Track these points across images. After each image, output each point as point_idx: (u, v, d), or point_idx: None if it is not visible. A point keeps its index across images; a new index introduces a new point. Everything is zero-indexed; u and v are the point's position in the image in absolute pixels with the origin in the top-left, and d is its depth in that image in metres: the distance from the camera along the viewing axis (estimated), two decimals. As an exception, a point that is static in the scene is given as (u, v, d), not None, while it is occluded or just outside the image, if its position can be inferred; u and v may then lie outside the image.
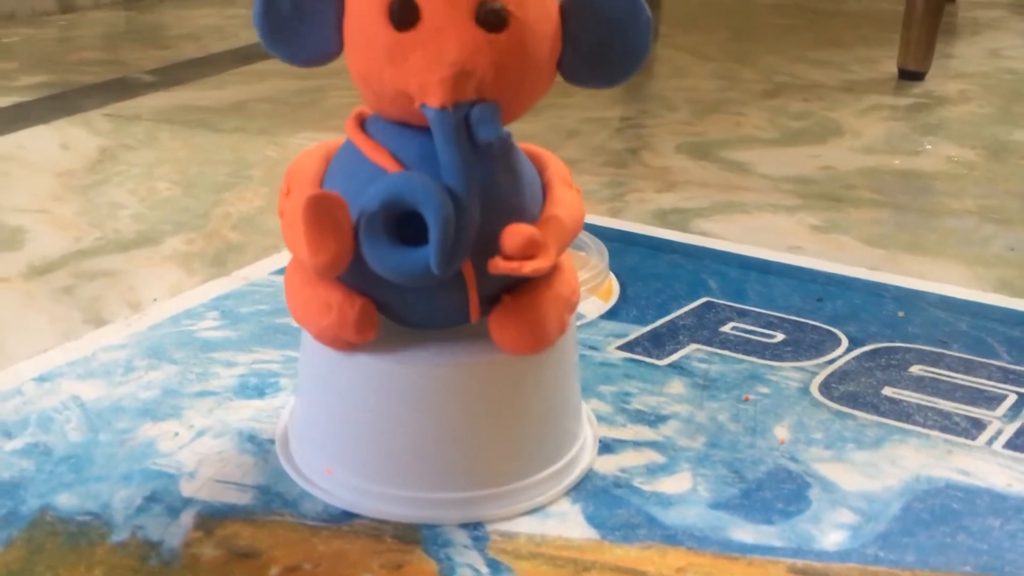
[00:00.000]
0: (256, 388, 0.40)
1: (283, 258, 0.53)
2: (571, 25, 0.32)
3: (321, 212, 0.29)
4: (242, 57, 1.05)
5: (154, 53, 1.05)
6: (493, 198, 0.31)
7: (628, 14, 0.31)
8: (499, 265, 0.30)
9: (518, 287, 0.32)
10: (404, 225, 0.30)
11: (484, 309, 0.33)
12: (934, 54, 1.04)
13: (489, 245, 0.30)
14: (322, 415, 0.34)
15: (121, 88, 0.89)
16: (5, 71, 0.94)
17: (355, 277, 0.31)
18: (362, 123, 0.33)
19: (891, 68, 1.08)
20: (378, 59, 0.30)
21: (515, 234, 0.30)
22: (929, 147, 0.80)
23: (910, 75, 1.04)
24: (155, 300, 0.48)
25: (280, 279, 0.50)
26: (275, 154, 0.72)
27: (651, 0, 1.61)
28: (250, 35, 1.17)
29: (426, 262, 0.29)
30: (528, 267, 0.30)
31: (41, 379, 0.40)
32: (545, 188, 0.34)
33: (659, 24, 1.40)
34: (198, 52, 1.06)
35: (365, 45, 0.30)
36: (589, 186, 0.67)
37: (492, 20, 0.29)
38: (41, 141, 0.73)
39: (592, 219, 0.60)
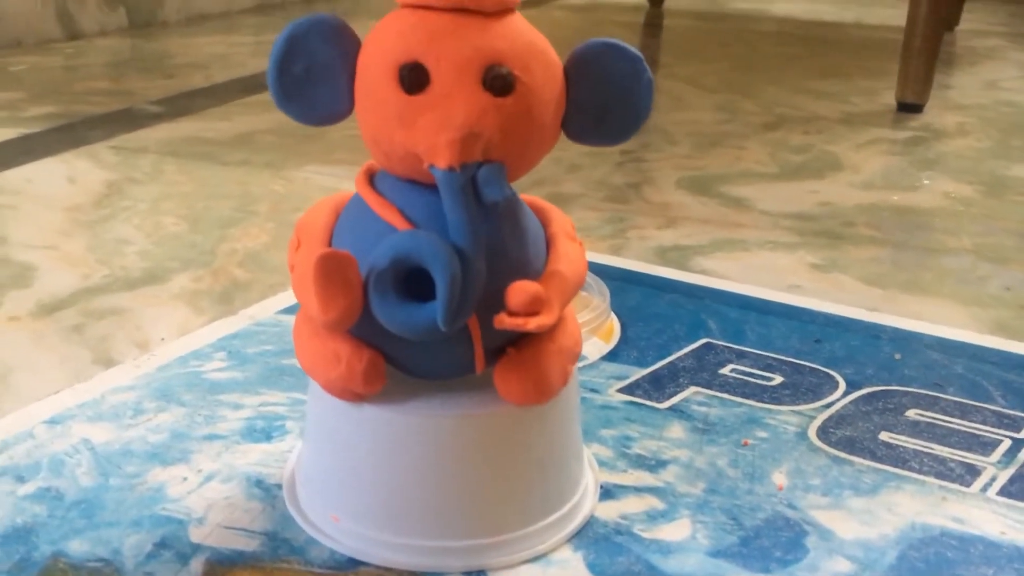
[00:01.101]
0: (263, 431, 0.41)
1: (288, 297, 0.53)
2: (575, 87, 0.32)
3: (332, 270, 0.30)
4: (247, 87, 1.06)
5: (160, 82, 1.06)
6: (498, 254, 0.32)
7: (631, 77, 0.32)
8: (504, 321, 0.31)
9: (522, 339, 0.33)
10: (412, 281, 0.31)
11: (489, 360, 0.33)
12: (932, 85, 1.06)
13: (495, 300, 0.31)
14: (329, 463, 0.35)
15: (127, 119, 0.90)
16: (12, 101, 0.95)
17: (363, 329, 0.32)
18: (371, 178, 0.34)
19: (890, 99, 1.09)
20: (388, 121, 0.31)
21: (520, 291, 0.31)
22: (927, 182, 0.81)
23: (908, 107, 1.05)
24: (163, 339, 0.49)
25: (286, 319, 0.51)
26: (281, 188, 0.72)
27: (652, 28, 1.62)
28: (256, 64, 1.18)
29: (433, 318, 0.30)
30: (532, 324, 0.30)
31: (52, 421, 0.41)
32: (549, 242, 0.35)
33: (659, 53, 1.42)
34: (204, 81, 1.08)
35: (376, 107, 0.31)
36: (591, 222, 0.68)
37: (499, 85, 0.30)
38: (49, 174, 0.74)
39: (594, 257, 0.61)
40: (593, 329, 0.51)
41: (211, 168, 0.76)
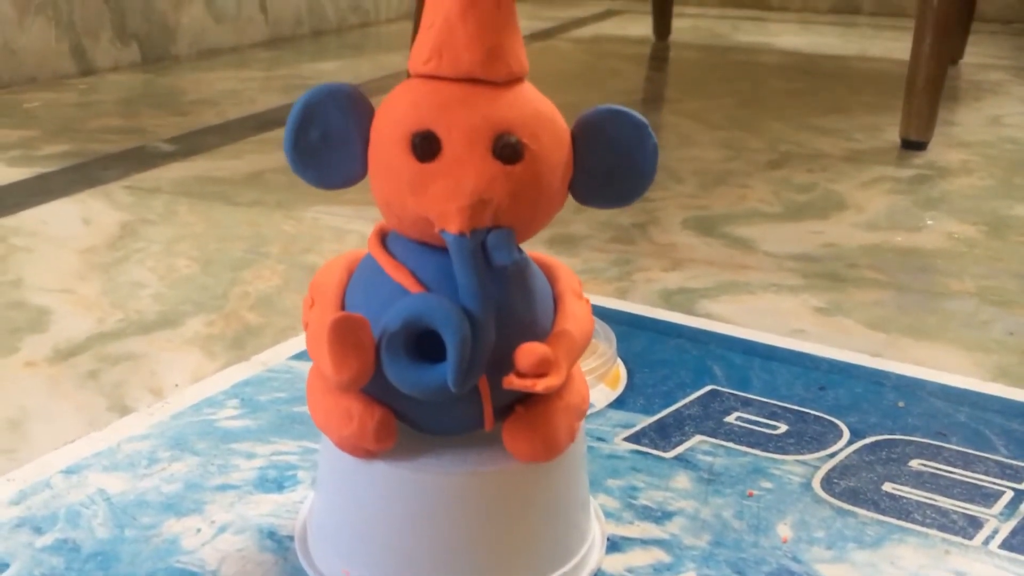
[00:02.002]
0: (275, 481, 0.42)
1: (299, 342, 0.54)
2: (582, 152, 0.33)
3: (345, 333, 0.31)
4: (258, 124, 1.07)
5: (172, 120, 1.07)
6: (507, 315, 0.32)
7: (636, 142, 0.33)
8: (514, 383, 0.31)
9: (530, 397, 0.34)
10: (423, 342, 0.32)
11: (497, 417, 0.34)
12: (936, 122, 1.07)
13: (504, 360, 0.32)
14: (340, 518, 0.35)
15: (140, 158, 0.91)
16: (28, 140, 0.96)
17: (375, 387, 0.33)
18: (383, 238, 0.35)
19: (894, 136, 1.10)
20: (401, 187, 0.31)
21: (528, 353, 0.31)
22: (931, 223, 0.81)
23: (912, 145, 1.06)
24: (176, 386, 0.50)
25: (297, 364, 0.52)
26: (291, 229, 0.73)
27: (658, 62, 1.64)
28: (266, 100, 1.20)
29: (444, 379, 0.31)
30: (541, 385, 0.31)
31: (69, 471, 0.42)
32: (556, 300, 0.35)
33: (665, 88, 1.43)
34: (215, 118, 1.09)
35: (389, 174, 0.32)
36: (597, 264, 0.69)
37: (508, 153, 0.31)
38: (64, 215, 0.75)
39: (601, 301, 0.62)
40: (600, 376, 0.51)
41: (223, 208, 0.78)
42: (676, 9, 2.06)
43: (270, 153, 0.95)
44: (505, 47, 0.31)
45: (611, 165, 0.33)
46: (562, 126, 0.33)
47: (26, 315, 0.57)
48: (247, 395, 0.49)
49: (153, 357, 0.53)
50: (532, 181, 0.31)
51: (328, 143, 0.33)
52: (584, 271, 0.68)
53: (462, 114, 0.31)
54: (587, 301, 0.36)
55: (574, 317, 0.35)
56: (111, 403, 0.48)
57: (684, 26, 2.09)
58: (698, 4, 2.56)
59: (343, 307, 0.34)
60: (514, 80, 0.32)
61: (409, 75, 0.33)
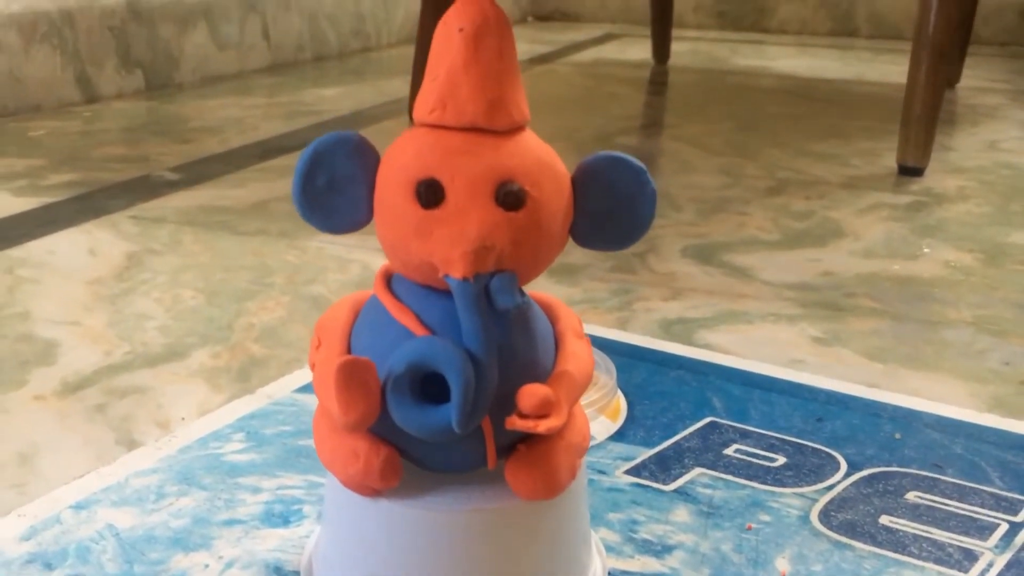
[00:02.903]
0: (281, 516, 0.42)
1: (304, 375, 0.55)
2: (582, 196, 0.34)
3: (352, 376, 0.32)
4: (261, 152, 1.08)
5: (176, 148, 1.08)
6: (510, 357, 0.33)
7: (635, 187, 0.34)
8: (516, 424, 0.32)
9: (532, 436, 0.34)
10: (428, 384, 0.32)
11: (500, 455, 0.35)
12: (933, 147, 1.08)
13: (507, 400, 0.33)
14: (345, 553, 0.36)
15: (145, 187, 0.92)
16: (34, 169, 0.97)
17: (380, 427, 0.34)
18: (388, 280, 0.35)
19: (891, 162, 1.11)
20: (406, 233, 0.32)
21: (530, 395, 0.32)
22: (927, 250, 0.82)
23: (909, 171, 1.07)
24: (183, 419, 0.51)
25: (302, 397, 0.52)
26: (295, 259, 0.74)
27: (657, 87, 1.65)
28: (268, 127, 1.21)
29: (448, 421, 0.32)
30: (543, 426, 0.32)
31: (78, 507, 0.42)
32: (557, 340, 0.36)
33: (664, 113, 1.44)
34: (219, 146, 1.10)
35: (394, 220, 0.33)
36: (598, 294, 0.70)
37: (510, 201, 0.32)
38: (70, 246, 0.76)
39: (601, 331, 0.63)
40: (601, 408, 0.52)
41: (227, 238, 0.78)
42: (675, 32, 2.08)
43: (273, 182, 0.96)
44: (507, 97, 0.32)
45: (610, 209, 0.34)
46: (562, 172, 0.34)
47: (34, 348, 0.58)
48: (253, 428, 0.49)
49: (159, 390, 0.54)
50: (534, 227, 0.32)
51: (335, 189, 0.34)
52: (584, 301, 0.69)
53: (466, 163, 0.32)
54: (587, 340, 0.37)
55: (575, 357, 0.35)
56: (119, 436, 0.49)
57: (683, 49, 2.11)
58: (697, 27, 2.58)
59: (349, 349, 0.35)
60: (516, 129, 0.33)
61: (412, 121, 0.34)
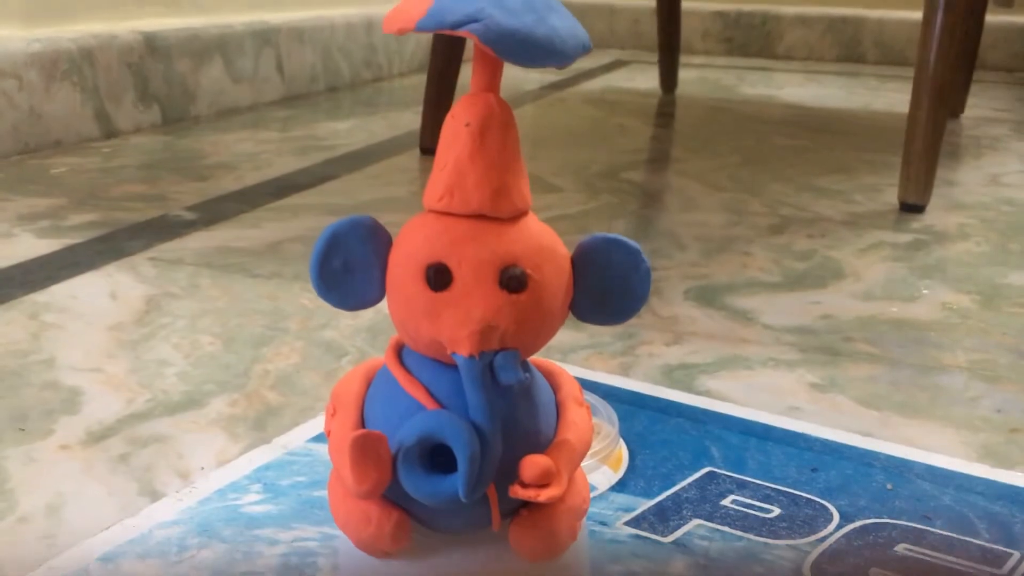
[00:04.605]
0: (297, 569, 0.44)
1: (317, 424, 0.57)
2: (581, 275, 0.37)
3: (365, 449, 0.34)
4: (275, 189, 1.11)
5: (193, 186, 1.11)
6: (513, 428, 0.36)
7: (630, 267, 0.37)
8: (518, 492, 0.34)
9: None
10: (436, 454, 0.35)
11: (504, 517, 0.37)
12: (934, 183, 1.10)
13: (510, 468, 0.35)
14: (359, 610, 0.38)
15: (164, 227, 0.95)
16: (55, 209, 1.00)
17: (391, 492, 0.36)
18: (398, 351, 0.38)
19: (892, 198, 1.13)
20: (415, 313, 0.35)
21: (532, 466, 0.34)
22: (926, 292, 0.84)
23: (910, 208, 1.09)
24: (202, 468, 0.53)
25: (316, 447, 0.55)
26: (309, 303, 0.77)
27: (664, 118, 1.67)
28: (282, 163, 1.24)
29: (455, 490, 0.34)
30: (544, 496, 0.34)
31: (105, 559, 0.44)
32: (558, 407, 0.38)
33: (671, 147, 1.47)
34: (234, 183, 1.13)
35: (405, 301, 0.35)
36: (602, 338, 0.72)
37: (514, 285, 0.34)
38: (92, 289, 0.78)
39: (604, 378, 0.65)
40: (603, 458, 0.54)
41: (243, 281, 0.81)
42: (683, 59, 2.11)
43: (287, 221, 0.99)
44: (510, 186, 0.35)
45: (607, 288, 0.37)
46: (562, 254, 0.36)
47: (59, 396, 0.61)
48: (269, 479, 0.51)
49: (179, 439, 0.56)
50: (535, 308, 0.35)
51: (349, 270, 0.36)
52: (589, 346, 0.71)
53: (471, 249, 0.34)
54: (588, 407, 0.39)
55: (574, 426, 0.37)
56: (141, 487, 0.51)
57: (691, 77, 2.13)
58: (705, 53, 2.60)
59: (362, 417, 0.37)
60: (519, 215, 0.35)
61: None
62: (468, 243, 0.34)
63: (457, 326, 0.34)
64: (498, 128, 0.35)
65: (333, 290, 0.36)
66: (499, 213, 0.35)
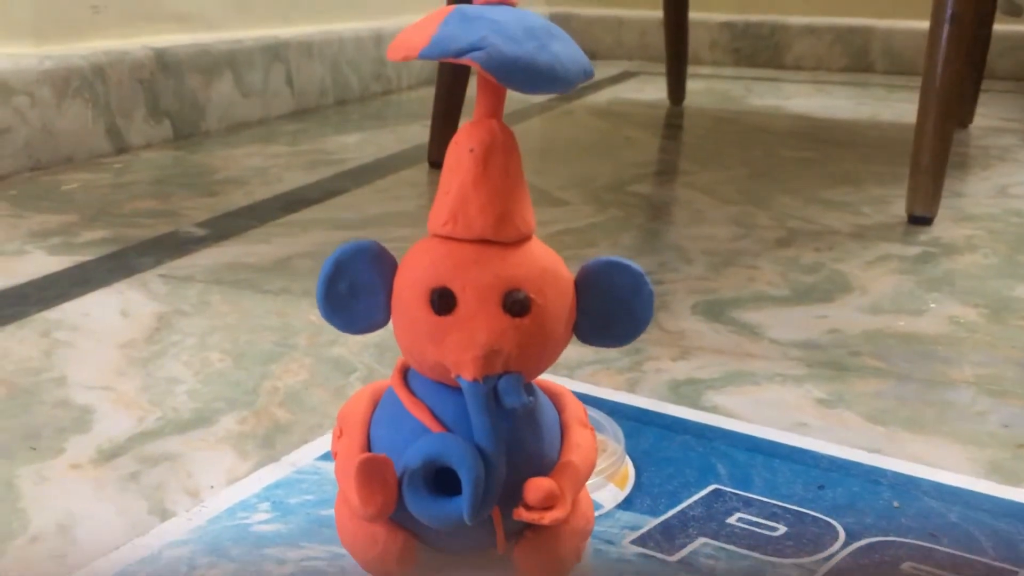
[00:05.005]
0: (305, 588, 0.45)
1: (325, 442, 0.57)
2: (584, 299, 0.37)
3: (371, 472, 0.34)
4: (284, 204, 1.12)
5: (202, 201, 1.12)
6: (517, 450, 0.36)
7: (633, 291, 0.37)
8: (523, 515, 0.35)
9: (539, 522, 0.37)
10: (441, 476, 0.35)
11: (509, 538, 0.37)
12: (942, 195, 1.10)
13: (515, 490, 0.35)
14: (366, 631, 0.39)
15: (174, 244, 0.96)
16: (67, 226, 1.01)
17: (397, 514, 0.36)
18: (404, 374, 0.38)
19: (900, 210, 1.13)
20: (420, 337, 0.35)
21: (536, 489, 0.35)
22: (933, 305, 0.84)
23: (918, 220, 1.09)
24: (212, 487, 0.53)
25: (324, 465, 0.55)
26: (317, 319, 0.77)
27: (672, 130, 1.67)
28: (291, 178, 1.25)
29: (460, 512, 0.34)
30: (548, 518, 0.35)
31: (115, 579, 0.45)
32: (563, 428, 0.39)
33: (679, 159, 1.47)
34: (244, 198, 1.14)
35: (409, 324, 0.35)
36: (609, 354, 0.72)
37: (517, 309, 0.34)
38: (103, 307, 0.79)
39: (610, 394, 0.65)
40: (609, 476, 0.54)
41: (253, 297, 0.82)
42: (691, 69, 2.11)
43: (296, 236, 0.99)
44: (513, 211, 0.35)
45: (610, 311, 0.37)
46: (566, 277, 0.37)
47: (70, 414, 0.61)
48: (277, 498, 0.52)
49: (189, 457, 0.56)
50: (538, 331, 0.35)
51: (355, 294, 0.37)
52: (597, 362, 0.71)
53: (475, 273, 0.35)
54: (592, 429, 0.40)
55: (578, 448, 0.38)
56: (151, 506, 0.51)
57: (699, 88, 2.14)
58: (712, 64, 2.61)
59: (368, 439, 0.38)
60: (522, 240, 0.36)
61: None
62: (472, 268, 0.35)
63: (461, 350, 0.34)
64: (501, 154, 0.35)
65: (339, 313, 0.37)
66: (502, 238, 0.35)
